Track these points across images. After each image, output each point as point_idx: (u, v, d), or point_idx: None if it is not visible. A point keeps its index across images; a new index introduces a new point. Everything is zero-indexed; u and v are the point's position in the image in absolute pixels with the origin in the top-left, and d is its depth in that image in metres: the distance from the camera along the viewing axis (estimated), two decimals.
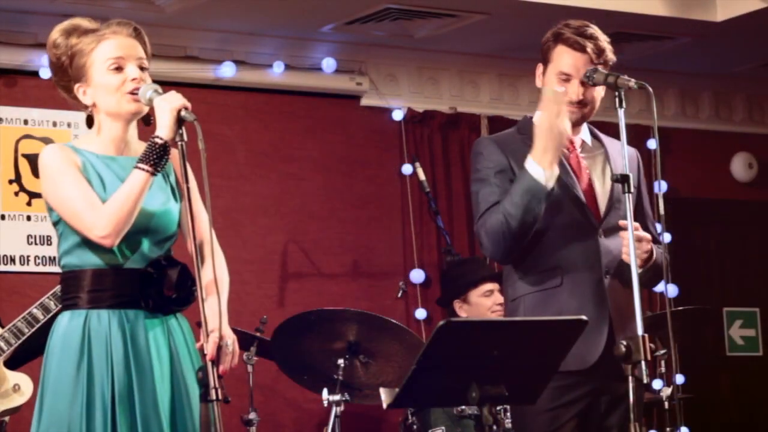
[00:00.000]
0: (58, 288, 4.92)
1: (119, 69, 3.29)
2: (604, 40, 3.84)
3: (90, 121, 3.37)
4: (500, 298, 5.68)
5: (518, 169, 3.74)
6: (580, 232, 3.78)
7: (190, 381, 3.26)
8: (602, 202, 3.82)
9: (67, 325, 3.27)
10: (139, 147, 3.36)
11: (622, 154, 3.60)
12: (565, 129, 3.67)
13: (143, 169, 3.20)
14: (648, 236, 3.71)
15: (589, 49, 3.77)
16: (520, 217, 3.67)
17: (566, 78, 3.78)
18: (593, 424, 3.78)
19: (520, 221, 3.68)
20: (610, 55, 3.85)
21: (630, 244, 3.49)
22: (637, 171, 3.94)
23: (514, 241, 3.71)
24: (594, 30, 3.85)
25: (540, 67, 3.86)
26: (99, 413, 3.20)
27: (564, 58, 3.79)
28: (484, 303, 5.77)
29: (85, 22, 3.36)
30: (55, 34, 3.34)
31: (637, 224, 3.69)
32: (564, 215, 3.77)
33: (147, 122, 3.34)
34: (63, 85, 3.37)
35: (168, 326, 3.32)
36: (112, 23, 3.35)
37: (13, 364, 5.10)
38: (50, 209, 3.32)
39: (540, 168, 3.66)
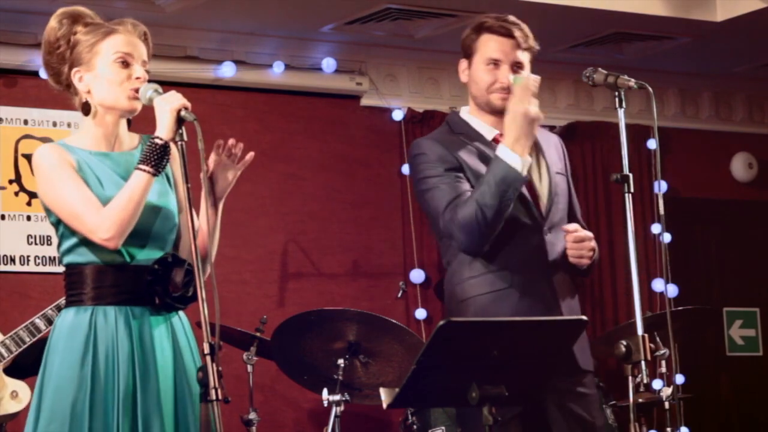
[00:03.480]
0: (61, 300, 4.97)
1: (125, 64, 3.29)
2: (526, 27, 3.86)
3: (87, 108, 3.34)
4: None
5: (469, 169, 3.75)
6: (527, 230, 3.77)
7: (192, 379, 3.27)
8: (544, 198, 3.81)
9: (73, 321, 3.26)
10: (131, 139, 3.36)
11: (623, 153, 3.60)
12: (539, 114, 3.67)
13: (144, 171, 3.20)
14: (590, 234, 3.72)
15: (516, 34, 3.80)
16: (496, 207, 3.64)
17: (495, 64, 3.79)
18: (538, 423, 3.76)
19: (496, 211, 3.64)
20: (534, 42, 3.87)
21: (630, 244, 3.49)
22: (564, 159, 3.95)
23: (490, 230, 3.67)
24: (514, 18, 3.87)
25: (463, 63, 3.86)
26: (101, 412, 3.20)
27: (490, 45, 3.80)
28: None
29: (90, 13, 3.36)
30: (58, 16, 3.33)
31: (576, 225, 3.73)
32: (510, 215, 3.75)
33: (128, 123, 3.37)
34: (54, 68, 3.36)
35: (171, 324, 3.33)
36: (126, 21, 3.35)
37: (14, 374, 5.11)
38: (48, 210, 3.31)
39: (516, 155, 3.65)
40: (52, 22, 3.34)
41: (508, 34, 3.80)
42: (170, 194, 3.35)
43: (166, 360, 3.29)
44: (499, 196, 3.64)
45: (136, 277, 3.27)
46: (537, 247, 3.75)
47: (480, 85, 3.80)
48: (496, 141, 3.79)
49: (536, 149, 3.85)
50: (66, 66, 3.32)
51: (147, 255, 3.29)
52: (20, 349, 5.01)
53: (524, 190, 3.75)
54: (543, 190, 3.81)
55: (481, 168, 3.74)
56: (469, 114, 3.87)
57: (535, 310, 3.62)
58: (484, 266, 3.76)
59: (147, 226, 3.28)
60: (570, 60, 6.73)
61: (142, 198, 3.21)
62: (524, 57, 3.81)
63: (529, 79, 3.71)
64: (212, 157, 3.35)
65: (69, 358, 3.24)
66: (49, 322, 4.97)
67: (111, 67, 3.29)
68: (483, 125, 3.83)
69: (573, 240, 3.71)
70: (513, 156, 3.64)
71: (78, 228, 3.23)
